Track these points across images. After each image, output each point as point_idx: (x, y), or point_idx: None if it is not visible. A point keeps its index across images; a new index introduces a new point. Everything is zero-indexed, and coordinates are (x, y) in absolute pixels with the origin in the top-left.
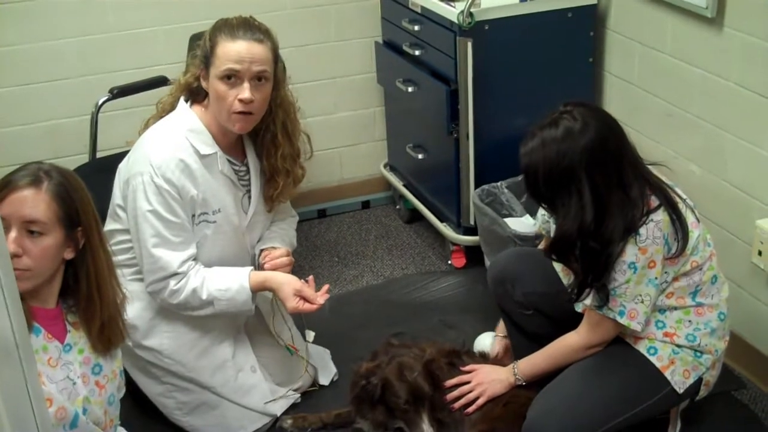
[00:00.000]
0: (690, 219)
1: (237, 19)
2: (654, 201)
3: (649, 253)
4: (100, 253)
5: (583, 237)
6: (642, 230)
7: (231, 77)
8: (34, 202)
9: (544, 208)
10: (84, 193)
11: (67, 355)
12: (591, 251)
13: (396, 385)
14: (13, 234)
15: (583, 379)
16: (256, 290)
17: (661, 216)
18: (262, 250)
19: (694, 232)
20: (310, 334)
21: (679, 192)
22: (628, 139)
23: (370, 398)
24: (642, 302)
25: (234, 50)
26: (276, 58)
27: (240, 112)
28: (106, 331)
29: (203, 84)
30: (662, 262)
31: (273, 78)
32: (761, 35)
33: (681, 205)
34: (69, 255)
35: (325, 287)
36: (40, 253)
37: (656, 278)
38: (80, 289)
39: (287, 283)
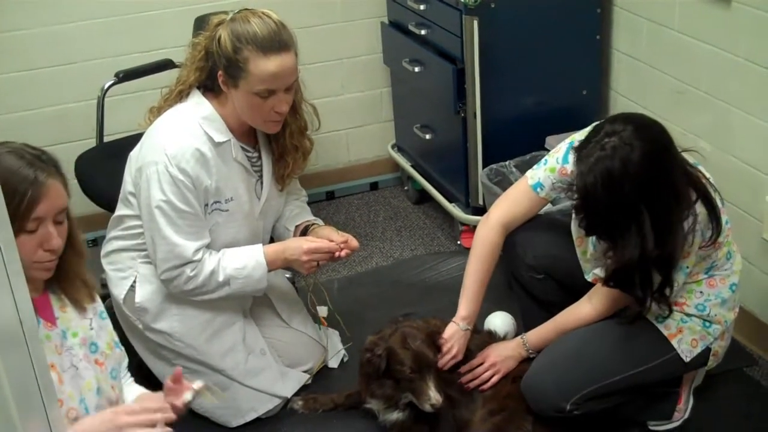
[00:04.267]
0: (719, 205)
1: (258, 26)
2: (692, 194)
3: (686, 246)
4: (73, 218)
5: (645, 263)
6: (683, 224)
7: (267, 94)
8: (59, 190)
9: (600, 239)
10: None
11: (66, 341)
12: (649, 273)
13: (400, 353)
14: (52, 228)
15: (584, 338)
16: (271, 264)
17: (699, 209)
18: (297, 226)
19: (723, 218)
20: (323, 310)
21: (704, 172)
22: (674, 144)
23: (377, 371)
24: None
25: (269, 71)
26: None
27: (274, 119)
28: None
29: (224, 87)
30: (696, 252)
31: None
32: None
33: (712, 192)
34: None
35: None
36: (63, 240)
37: (687, 267)
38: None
39: (298, 247)
